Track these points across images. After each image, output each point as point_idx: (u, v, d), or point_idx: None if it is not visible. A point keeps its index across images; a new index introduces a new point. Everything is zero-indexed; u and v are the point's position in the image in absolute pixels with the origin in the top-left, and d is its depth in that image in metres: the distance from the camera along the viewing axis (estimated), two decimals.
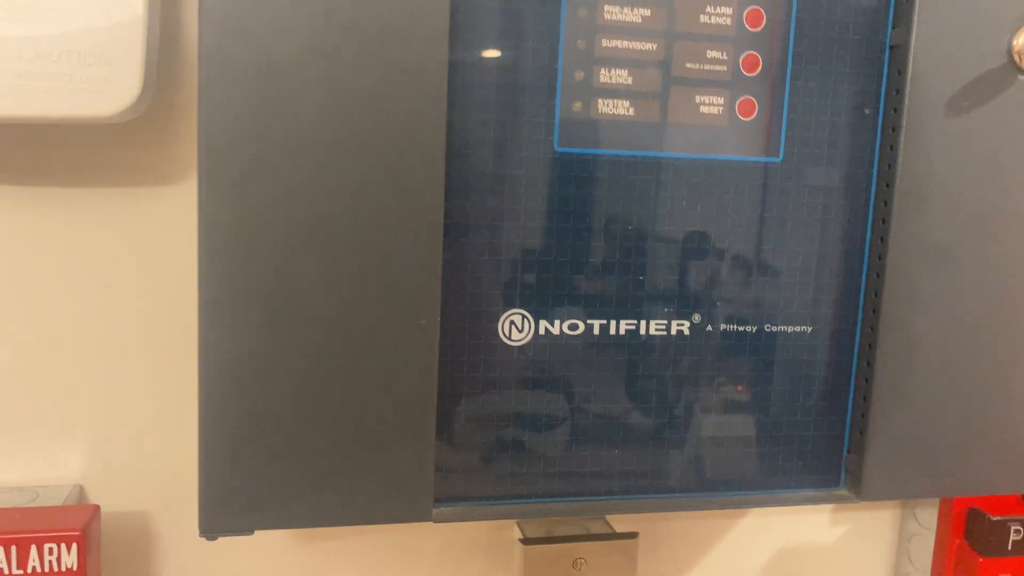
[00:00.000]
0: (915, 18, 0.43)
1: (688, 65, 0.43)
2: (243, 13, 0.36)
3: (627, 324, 0.44)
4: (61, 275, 0.50)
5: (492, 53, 0.40)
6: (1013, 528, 0.55)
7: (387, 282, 0.39)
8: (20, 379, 0.50)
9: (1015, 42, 0.44)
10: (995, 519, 0.55)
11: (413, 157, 0.39)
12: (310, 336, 0.39)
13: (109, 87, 0.42)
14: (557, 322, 0.43)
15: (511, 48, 0.41)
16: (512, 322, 0.43)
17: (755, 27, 0.43)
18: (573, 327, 0.43)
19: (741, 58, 0.43)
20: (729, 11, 0.43)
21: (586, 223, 0.43)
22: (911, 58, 0.43)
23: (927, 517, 0.61)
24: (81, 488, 0.51)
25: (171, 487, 0.53)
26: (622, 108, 0.42)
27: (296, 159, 0.37)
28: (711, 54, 0.43)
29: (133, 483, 0.52)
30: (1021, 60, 0.44)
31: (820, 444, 0.47)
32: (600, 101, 0.42)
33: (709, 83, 0.43)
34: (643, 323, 0.44)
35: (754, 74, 0.43)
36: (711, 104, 0.43)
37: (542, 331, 0.43)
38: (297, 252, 0.38)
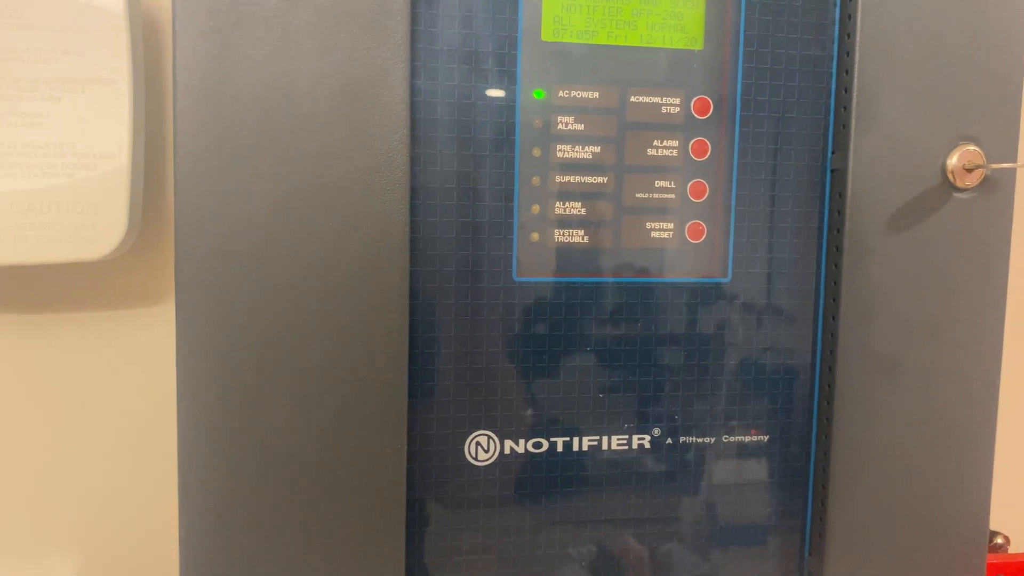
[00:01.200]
0: (852, 143, 0.45)
1: (638, 195, 0.45)
2: (214, 170, 0.39)
3: (590, 441, 0.46)
4: (50, 395, 0.52)
5: (452, 194, 0.43)
6: None
7: (355, 411, 0.41)
8: (12, 493, 0.52)
9: (949, 162, 0.46)
10: None
11: (378, 292, 0.41)
12: (280, 463, 0.41)
13: (95, 233, 0.45)
14: (522, 441, 0.45)
15: (470, 189, 0.43)
16: (478, 443, 0.45)
17: (700, 157, 0.46)
18: (537, 445, 0.45)
19: (689, 185, 0.46)
20: (675, 143, 0.45)
21: (546, 346, 0.45)
22: (850, 180, 0.45)
23: None
24: None
25: None
26: (577, 237, 0.45)
27: (265, 293, 0.40)
28: (660, 183, 0.46)
29: None
30: (956, 179, 0.46)
31: (781, 548, 0.49)
32: (556, 231, 0.45)
33: (659, 210, 0.45)
34: (605, 439, 0.46)
35: (702, 200, 0.46)
36: (662, 229, 0.46)
37: (507, 450, 0.45)
38: (267, 380, 0.41)
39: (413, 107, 0.42)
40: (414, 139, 0.42)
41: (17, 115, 0.44)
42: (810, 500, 0.49)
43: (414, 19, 0.42)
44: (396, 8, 0.40)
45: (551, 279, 0.45)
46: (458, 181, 0.43)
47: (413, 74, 0.42)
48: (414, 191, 0.42)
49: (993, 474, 0.49)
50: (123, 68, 0.44)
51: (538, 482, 0.45)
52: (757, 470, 0.48)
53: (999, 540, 0.62)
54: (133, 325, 0.52)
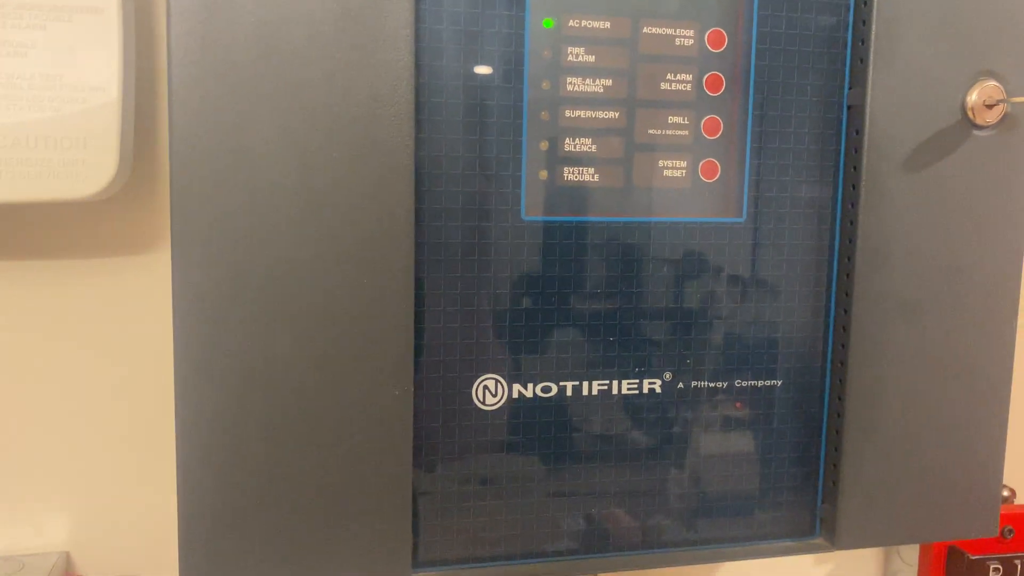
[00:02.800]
0: (870, 79, 0.44)
1: (651, 131, 0.44)
2: (212, 101, 0.37)
3: (599, 385, 0.45)
4: (43, 345, 0.50)
5: (458, 127, 0.41)
6: (992, 567, 0.55)
7: (360, 352, 0.40)
8: (5, 449, 0.51)
9: (968, 99, 0.45)
10: (974, 558, 0.56)
11: (383, 229, 0.40)
12: (285, 406, 0.39)
13: (85, 169, 0.43)
14: (530, 385, 0.44)
15: (477, 123, 0.42)
16: (486, 387, 0.44)
17: (715, 92, 0.44)
18: (546, 389, 0.44)
19: (702, 122, 0.44)
20: (689, 77, 0.44)
21: (555, 288, 0.43)
22: (867, 118, 0.44)
23: (910, 554, 0.61)
24: (68, 556, 0.52)
25: (157, 553, 0.53)
26: (587, 175, 0.43)
27: (267, 233, 0.38)
28: (673, 119, 0.44)
29: (120, 550, 0.53)
30: (975, 116, 0.45)
31: (794, 495, 0.48)
32: (566, 169, 0.43)
33: (672, 148, 0.44)
34: (615, 383, 0.45)
35: (715, 137, 0.45)
36: (674, 168, 0.44)
37: (515, 395, 0.44)
38: (270, 322, 0.39)
39: (418, 34, 0.40)
40: (419, 68, 0.40)
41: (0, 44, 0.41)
42: (823, 448, 0.48)
43: None
44: None
45: (560, 218, 0.43)
46: (464, 114, 0.41)
47: None
48: (419, 124, 0.41)
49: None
50: None
51: (547, 426, 0.44)
52: (770, 416, 0.47)
53: (1005, 493, 0.62)
54: (125, 270, 0.51)
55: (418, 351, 0.42)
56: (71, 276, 0.50)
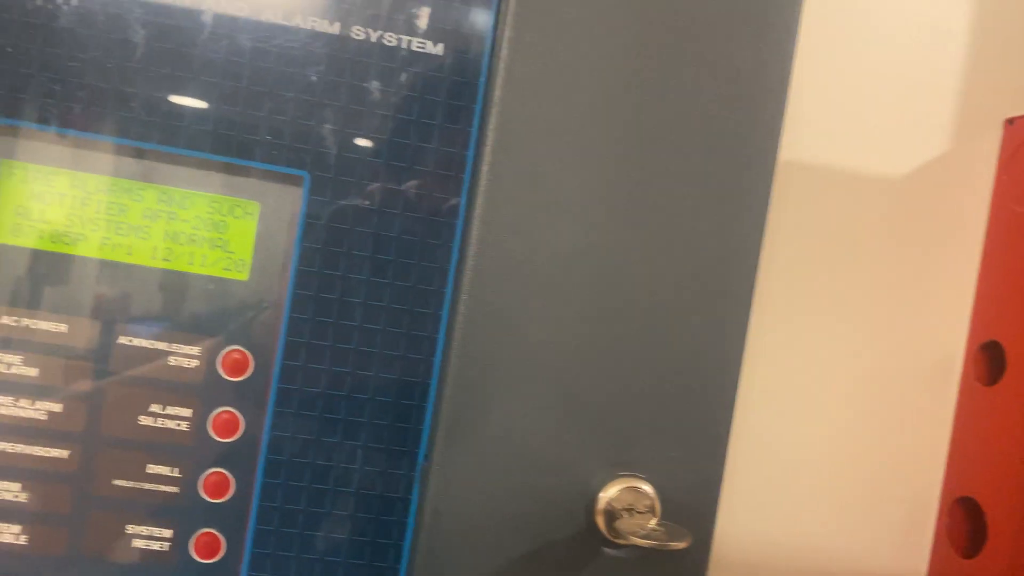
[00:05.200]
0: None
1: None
2: None
3: None
4: None
5: None
6: None
7: None
8: None
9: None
10: None
11: None
12: None
13: None
14: None
15: None
16: None
17: (226, 437, 0.30)
18: None
19: (203, 477, 0.30)
20: (188, 412, 0.30)
21: None
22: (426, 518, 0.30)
23: None
24: None
25: None
26: (8, 536, 0.29)
27: None
28: (154, 468, 0.30)
29: None
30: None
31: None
32: None
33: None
34: None
35: (220, 500, 0.30)
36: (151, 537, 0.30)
37: None
38: None
39: None
40: None
41: None
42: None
43: None
44: None
45: None
46: None
47: None
48: None
49: None
50: None
51: None
52: None
53: None
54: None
55: None
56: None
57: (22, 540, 0.29)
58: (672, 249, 0.30)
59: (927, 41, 0.40)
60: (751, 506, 0.40)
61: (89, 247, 0.30)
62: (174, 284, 0.30)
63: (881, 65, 0.39)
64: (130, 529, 0.30)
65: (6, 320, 0.29)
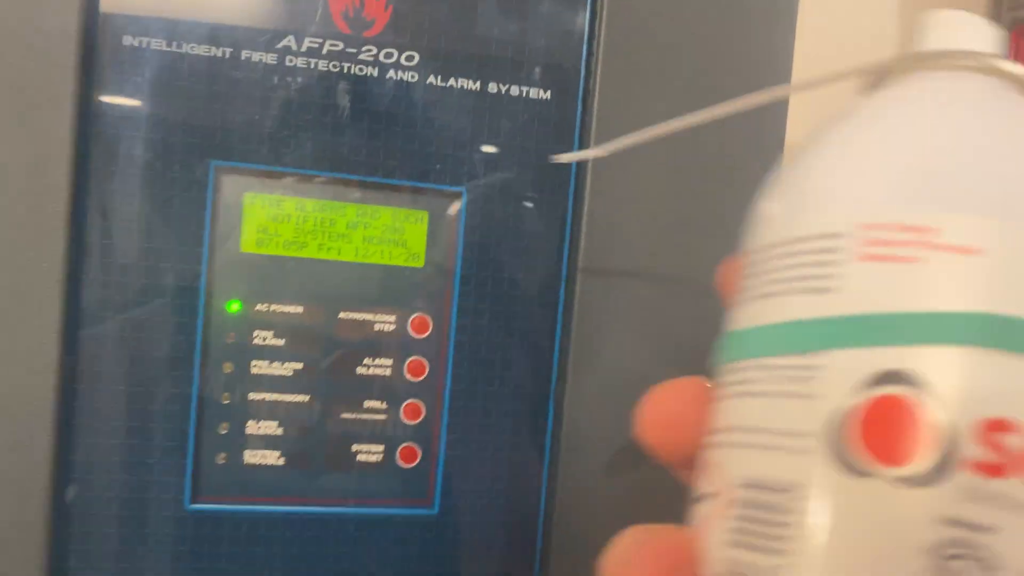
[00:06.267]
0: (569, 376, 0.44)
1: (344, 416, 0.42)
2: None
3: None
4: None
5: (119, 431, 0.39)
6: None
7: None
8: None
9: None
10: None
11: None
12: None
13: None
14: None
15: (138, 409, 0.39)
16: None
17: (417, 377, 0.43)
18: None
19: (403, 406, 0.43)
20: (389, 361, 0.43)
21: None
22: (565, 417, 0.44)
23: None
24: None
25: None
26: (271, 458, 0.41)
27: None
28: (369, 403, 0.43)
29: None
30: None
31: None
32: (247, 452, 0.41)
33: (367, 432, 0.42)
34: None
35: (416, 422, 0.43)
36: (369, 452, 0.43)
37: None
38: None
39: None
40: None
41: None
42: None
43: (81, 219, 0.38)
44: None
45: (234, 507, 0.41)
46: (128, 401, 0.39)
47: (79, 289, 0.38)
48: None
49: None
50: None
51: None
52: None
53: None
54: None
55: None
56: None
57: (281, 462, 0.42)
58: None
59: None
60: None
61: (311, 251, 0.42)
62: (372, 273, 0.42)
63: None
64: (354, 447, 0.43)
65: (260, 307, 0.41)
